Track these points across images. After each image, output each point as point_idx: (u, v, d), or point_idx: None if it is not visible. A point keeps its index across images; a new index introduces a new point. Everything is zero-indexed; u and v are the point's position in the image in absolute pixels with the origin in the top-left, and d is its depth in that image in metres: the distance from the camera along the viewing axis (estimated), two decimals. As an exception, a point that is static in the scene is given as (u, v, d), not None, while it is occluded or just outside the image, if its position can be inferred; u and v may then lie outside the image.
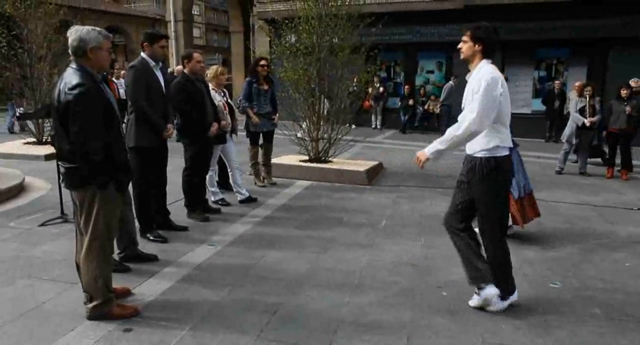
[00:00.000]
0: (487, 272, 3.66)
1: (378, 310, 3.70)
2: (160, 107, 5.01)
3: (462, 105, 3.63)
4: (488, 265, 3.68)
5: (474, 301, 3.77)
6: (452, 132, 3.52)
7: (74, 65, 3.30)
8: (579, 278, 4.42)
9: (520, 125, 14.88)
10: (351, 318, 3.56)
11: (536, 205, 5.65)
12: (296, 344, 3.20)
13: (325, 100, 9.22)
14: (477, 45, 3.57)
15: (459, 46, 3.68)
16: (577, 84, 10.47)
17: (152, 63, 4.94)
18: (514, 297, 3.77)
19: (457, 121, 3.60)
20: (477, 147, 3.58)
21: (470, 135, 3.48)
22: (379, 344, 3.21)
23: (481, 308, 3.72)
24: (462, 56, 3.67)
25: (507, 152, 3.58)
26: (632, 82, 10.06)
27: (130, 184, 3.97)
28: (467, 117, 3.45)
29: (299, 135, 8.79)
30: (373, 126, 17.23)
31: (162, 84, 5.02)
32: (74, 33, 3.30)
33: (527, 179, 5.58)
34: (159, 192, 5.33)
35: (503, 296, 3.69)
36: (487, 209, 3.64)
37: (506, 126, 3.59)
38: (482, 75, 3.48)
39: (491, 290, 3.64)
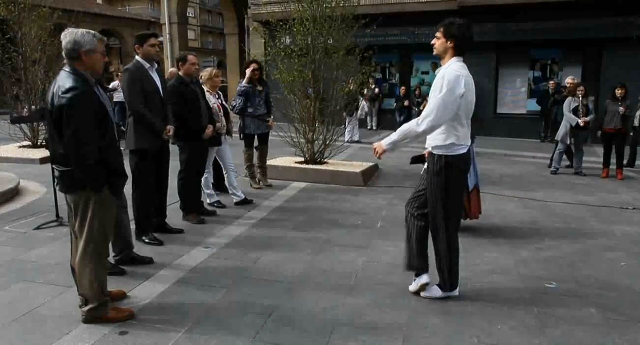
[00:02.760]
0: (423, 263, 3.95)
1: (374, 311, 3.70)
2: (159, 108, 4.99)
3: (429, 99, 3.71)
4: (426, 257, 3.95)
5: (413, 286, 4.01)
6: (410, 126, 3.62)
7: (67, 68, 3.29)
8: (575, 278, 4.43)
9: (516, 125, 15.00)
10: (347, 319, 3.56)
11: (480, 204, 5.78)
12: (292, 346, 3.20)
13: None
14: (449, 42, 3.61)
15: (433, 42, 3.73)
16: (569, 81, 10.54)
17: (147, 65, 4.93)
18: (454, 293, 3.94)
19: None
20: (433, 143, 3.71)
21: (425, 132, 3.58)
22: (375, 346, 3.22)
23: (417, 293, 3.98)
24: (434, 52, 3.72)
25: (463, 151, 3.68)
26: (569, 80, 10.22)
27: (127, 187, 3.96)
28: (426, 114, 3.52)
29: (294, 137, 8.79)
30: (369, 127, 17.23)
31: (160, 85, 5.01)
32: (68, 36, 3.29)
33: (477, 176, 5.70)
34: (159, 195, 5.31)
35: (444, 288, 3.92)
36: (435, 203, 3.77)
37: (464, 125, 3.68)
38: (447, 74, 3.53)
39: (424, 279, 3.93)
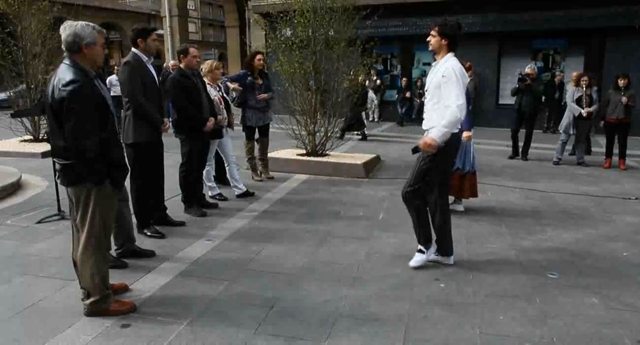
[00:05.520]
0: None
1: (376, 302, 3.70)
2: (156, 101, 4.99)
3: (426, 88, 4.32)
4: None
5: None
6: (453, 116, 3.97)
7: (67, 61, 3.27)
8: (577, 268, 4.42)
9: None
10: (349, 311, 3.56)
11: (475, 187, 6.24)
12: (294, 337, 3.20)
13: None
14: (443, 40, 4.14)
15: (428, 39, 4.23)
16: (574, 74, 10.47)
17: (145, 58, 4.90)
18: (448, 260, 4.42)
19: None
20: (432, 124, 4.14)
21: (460, 119, 4.01)
22: (376, 336, 3.22)
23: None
24: (430, 48, 4.24)
25: (456, 130, 4.12)
26: (528, 69, 10.11)
27: (128, 180, 3.96)
28: (457, 101, 3.97)
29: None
30: (370, 119, 17.18)
31: (156, 78, 5.00)
32: (68, 28, 3.26)
33: (474, 160, 6.18)
34: (156, 187, 5.32)
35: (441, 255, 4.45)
36: (431, 176, 4.21)
37: None
38: (453, 66, 4.04)
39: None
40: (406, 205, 4.40)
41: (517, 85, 10.08)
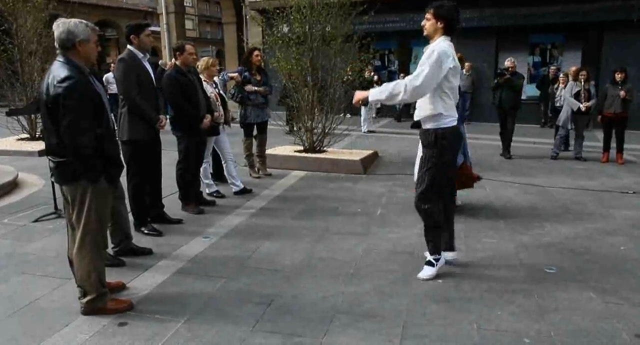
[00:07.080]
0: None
1: (374, 298, 3.70)
2: (152, 98, 4.96)
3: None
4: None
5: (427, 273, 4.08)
6: (398, 88, 3.73)
7: (61, 58, 3.25)
8: (575, 263, 4.42)
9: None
10: (347, 307, 3.56)
11: (470, 176, 6.00)
12: (292, 334, 3.19)
13: None
14: (439, 23, 3.82)
15: (422, 23, 3.91)
16: (572, 68, 10.44)
17: (140, 55, 4.88)
18: (441, 262, 4.11)
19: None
20: (422, 114, 3.89)
21: (409, 94, 3.70)
22: (374, 332, 3.21)
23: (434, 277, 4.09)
24: (425, 32, 3.91)
25: (453, 123, 3.84)
26: (508, 62, 9.97)
27: (124, 178, 3.94)
28: (412, 78, 3.67)
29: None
30: (373, 115, 17.13)
31: (152, 75, 4.98)
32: (61, 26, 3.25)
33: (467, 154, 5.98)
34: (153, 185, 5.30)
35: (434, 264, 4.08)
36: (427, 172, 3.90)
37: (451, 98, 3.85)
38: (437, 49, 3.70)
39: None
40: (418, 213, 4.08)
41: (497, 79, 9.98)
